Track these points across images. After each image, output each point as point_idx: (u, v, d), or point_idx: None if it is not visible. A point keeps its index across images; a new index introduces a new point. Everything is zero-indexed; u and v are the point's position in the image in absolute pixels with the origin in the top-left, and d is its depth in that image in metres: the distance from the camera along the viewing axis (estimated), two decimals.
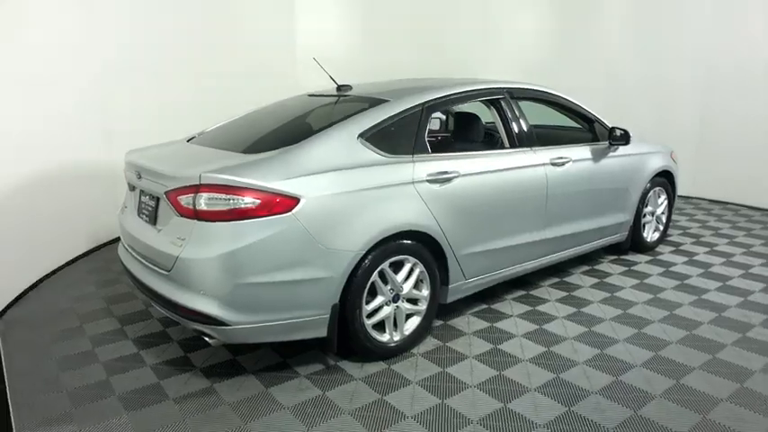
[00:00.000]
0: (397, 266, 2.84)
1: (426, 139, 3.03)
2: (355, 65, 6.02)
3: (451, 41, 7.20)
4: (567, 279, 4.01)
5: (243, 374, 2.73)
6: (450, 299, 3.16)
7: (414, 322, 2.96)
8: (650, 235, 4.63)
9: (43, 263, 4.02)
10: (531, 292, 3.76)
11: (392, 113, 2.92)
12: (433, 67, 6.38)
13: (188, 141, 3.29)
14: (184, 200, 2.43)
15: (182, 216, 2.47)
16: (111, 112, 4.58)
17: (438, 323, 3.30)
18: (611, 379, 2.67)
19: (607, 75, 7.30)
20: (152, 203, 2.76)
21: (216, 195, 2.38)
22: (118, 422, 2.34)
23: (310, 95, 3.59)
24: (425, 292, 2.97)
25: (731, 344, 3.01)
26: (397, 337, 2.89)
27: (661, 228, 4.73)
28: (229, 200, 2.37)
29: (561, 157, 3.62)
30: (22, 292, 3.70)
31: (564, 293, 3.74)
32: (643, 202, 4.41)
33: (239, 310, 2.41)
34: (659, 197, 4.63)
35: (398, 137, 2.92)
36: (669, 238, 5.01)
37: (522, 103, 3.78)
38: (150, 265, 2.68)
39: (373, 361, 2.85)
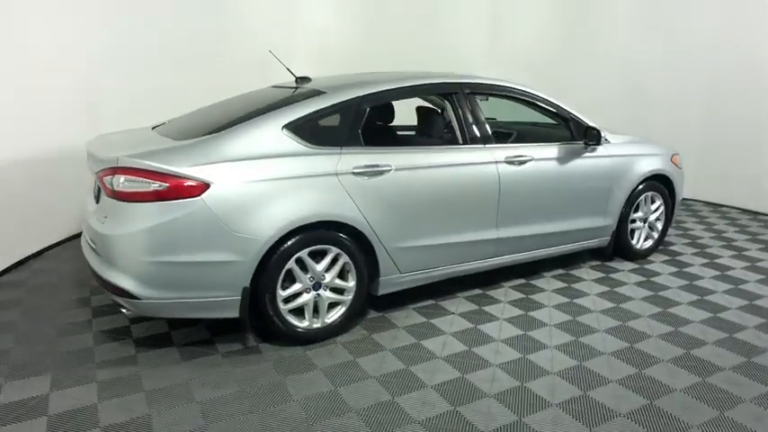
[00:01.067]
0: (319, 255, 2.90)
1: (361, 132, 3.06)
2: (368, 57, 6.12)
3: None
4: (533, 281, 3.89)
5: (168, 347, 2.92)
6: (382, 291, 3.19)
7: (338, 311, 3.02)
8: (641, 242, 4.37)
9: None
10: (486, 292, 3.70)
11: (322, 106, 2.98)
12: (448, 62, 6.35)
13: (153, 129, 3.51)
14: (107, 181, 2.63)
15: (107, 196, 2.68)
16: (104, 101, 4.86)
17: (377, 315, 3.33)
18: (516, 384, 2.61)
19: (621, 75, 6.92)
20: (96, 185, 3.00)
21: (130, 177, 2.56)
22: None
23: (274, 87, 3.71)
24: (351, 282, 3.01)
25: (681, 390, 2.60)
26: (316, 324, 2.96)
27: (655, 235, 4.45)
28: (141, 182, 2.54)
29: (519, 156, 3.52)
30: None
31: (521, 296, 3.64)
32: (631, 206, 4.17)
33: (149, 286, 2.59)
34: (653, 202, 4.35)
35: (327, 129, 2.98)
36: (671, 247, 4.70)
37: (502, 100, 3.74)
38: (90, 242, 2.92)
39: (292, 345, 2.94)
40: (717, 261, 4.38)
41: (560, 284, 3.85)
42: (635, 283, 3.91)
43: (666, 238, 4.99)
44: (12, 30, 3.84)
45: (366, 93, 3.12)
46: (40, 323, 3.17)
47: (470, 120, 3.43)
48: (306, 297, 2.90)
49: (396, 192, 3.06)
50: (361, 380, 2.64)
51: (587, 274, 4.08)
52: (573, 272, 4.10)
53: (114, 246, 2.60)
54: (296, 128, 2.89)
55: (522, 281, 3.89)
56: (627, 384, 2.61)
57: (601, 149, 3.94)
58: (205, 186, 2.58)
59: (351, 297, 3.03)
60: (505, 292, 3.70)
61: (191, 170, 2.58)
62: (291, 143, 2.85)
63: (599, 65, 7.07)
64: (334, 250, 2.92)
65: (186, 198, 2.56)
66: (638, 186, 4.16)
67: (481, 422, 2.32)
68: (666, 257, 4.46)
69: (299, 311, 2.92)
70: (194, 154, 2.65)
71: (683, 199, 5.41)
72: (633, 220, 4.27)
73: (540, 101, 3.81)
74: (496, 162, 3.42)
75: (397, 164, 3.07)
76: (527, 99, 3.77)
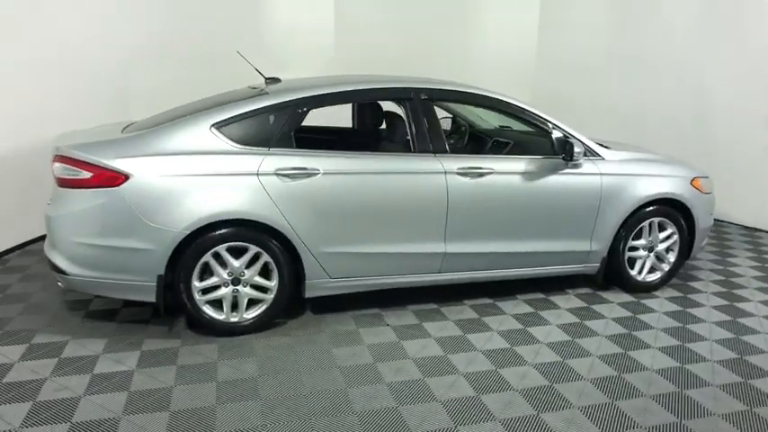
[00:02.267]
0: (241, 252, 2.99)
1: (293, 135, 3.08)
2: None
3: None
4: (499, 302, 3.65)
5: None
6: (309, 294, 3.20)
7: (259, 309, 3.09)
8: (644, 274, 3.88)
9: None
10: (441, 308, 3.54)
11: (254, 107, 3.05)
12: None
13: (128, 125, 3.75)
14: (53, 167, 2.95)
15: (54, 181, 3.00)
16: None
17: (314, 315, 3.35)
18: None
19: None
20: None
21: (66, 166, 2.84)
22: None
23: (249, 87, 3.85)
24: (274, 282, 3.07)
25: None
26: (234, 319, 3.06)
27: (665, 267, 3.92)
28: (73, 170, 2.81)
29: (476, 168, 3.31)
30: None
31: (475, 316, 3.44)
32: (630, 232, 3.72)
33: (76, 264, 2.86)
34: (664, 230, 3.84)
35: (257, 130, 3.04)
36: (692, 282, 4.11)
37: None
38: None
39: (212, 335, 3.06)
40: (738, 305, 3.76)
41: (526, 309, 3.57)
42: (614, 318, 3.50)
43: (699, 269, 4.39)
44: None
45: (301, 96, 3.14)
46: None
47: (421, 127, 3.29)
48: (223, 291, 3.01)
49: (323, 196, 3.05)
50: (252, 383, 2.69)
51: (567, 301, 3.72)
52: (552, 297, 3.77)
53: (51, 226, 2.90)
54: (224, 127, 2.99)
55: (487, 300, 3.67)
56: None
57: (588, 166, 3.57)
58: (124, 178, 2.79)
59: (273, 296, 3.09)
60: (461, 310, 3.51)
61: (113, 162, 2.79)
62: (218, 142, 2.96)
63: (651, 73, 6.33)
64: (254, 248, 2.99)
65: (107, 187, 2.78)
66: (638, 210, 3.70)
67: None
68: (676, 293, 3.91)
69: (218, 304, 3.03)
70: (122, 147, 2.87)
71: (716, 221, 4.64)
72: (633, 248, 3.81)
73: (513, 110, 3.55)
74: (446, 173, 3.25)
75: (326, 168, 3.05)
76: (498, 107, 3.53)
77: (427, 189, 3.23)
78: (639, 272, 3.88)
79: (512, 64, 7.20)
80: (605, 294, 3.85)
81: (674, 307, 3.69)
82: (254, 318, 3.09)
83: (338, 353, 2.94)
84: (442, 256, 3.35)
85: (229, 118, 3.01)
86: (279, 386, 2.61)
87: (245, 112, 3.04)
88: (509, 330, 3.27)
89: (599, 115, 6.66)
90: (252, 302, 3.10)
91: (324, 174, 3.04)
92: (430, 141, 3.29)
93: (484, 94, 3.51)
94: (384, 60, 5.87)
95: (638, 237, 3.79)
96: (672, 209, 3.80)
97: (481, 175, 3.32)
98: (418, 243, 3.29)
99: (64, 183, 2.85)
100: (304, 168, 3.02)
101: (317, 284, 3.19)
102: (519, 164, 3.44)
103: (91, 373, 2.67)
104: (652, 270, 3.92)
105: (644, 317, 3.53)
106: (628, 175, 3.68)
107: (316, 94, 3.18)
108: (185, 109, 3.54)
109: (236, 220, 2.92)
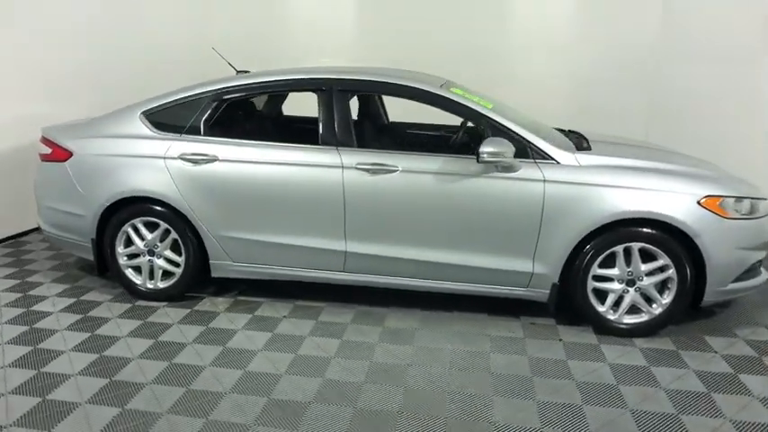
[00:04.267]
0: (158, 227, 3.35)
1: (206, 123, 3.29)
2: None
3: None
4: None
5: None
6: (215, 274, 3.39)
7: (171, 280, 3.41)
8: (620, 313, 3.03)
9: None
10: (374, 309, 3.36)
11: (176, 98, 3.35)
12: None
13: None
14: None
15: None
16: None
17: (222, 296, 3.54)
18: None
19: None
20: None
21: (43, 144, 3.56)
22: None
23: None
24: (181, 257, 3.35)
25: None
26: (149, 286, 3.43)
27: (655, 309, 3.00)
28: (44, 148, 3.52)
29: (378, 164, 3.05)
30: None
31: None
32: (595, 257, 2.96)
33: (46, 223, 3.58)
34: (654, 260, 2.94)
35: (175, 118, 3.33)
36: (707, 334, 3.04)
37: None
38: None
39: (137, 299, 3.48)
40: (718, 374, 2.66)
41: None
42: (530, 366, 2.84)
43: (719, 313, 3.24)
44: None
45: (216, 88, 3.31)
46: None
47: (329, 119, 3.17)
48: (140, 259, 3.41)
49: (220, 182, 3.20)
50: (126, 354, 3.03)
51: (498, 329, 3.15)
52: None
53: (34, 191, 3.67)
54: (150, 115, 3.37)
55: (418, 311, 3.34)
56: None
57: (529, 171, 2.96)
58: (69, 154, 3.38)
59: (181, 270, 3.37)
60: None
61: (65, 142, 3.41)
62: (142, 128, 3.35)
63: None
64: (164, 225, 3.31)
65: (59, 162, 3.41)
66: (607, 230, 2.92)
67: None
68: (668, 347, 2.96)
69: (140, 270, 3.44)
70: (74, 130, 3.48)
71: None
72: (600, 278, 3.02)
73: (436, 100, 3.14)
74: (343, 167, 3.08)
75: (224, 155, 3.19)
76: (418, 97, 3.16)
77: (323, 183, 3.10)
78: (612, 310, 3.05)
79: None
80: (567, 332, 3.13)
81: (633, 362, 2.82)
82: (166, 287, 3.41)
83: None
84: (344, 254, 3.18)
85: (156, 107, 3.38)
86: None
87: (169, 102, 3.37)
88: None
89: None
90: (167, 274, 3.43)
91: (221, 161, 3.19)
92: (335, 134, 3.15)
93: (400, 83, 3.18)
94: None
95: (604, 265, 2.99)
96: (664, 234, 2.89)
97: (384, 172, 3.04)
98: (318, 238, 3.19)
99: (41, 157, 3.57)
100: (204, 154, 3.21)
101: (221, 266, 3.36)
102: (430, 162, 3.04)
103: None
104: (635, 310, 3.04)
105: (581, 374, 2.78)
106: (589, 185, 2.92)
107: (229, 85, 3.33)
108: None
109: (147, 197, 3.28)
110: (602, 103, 5.26)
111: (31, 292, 3.55)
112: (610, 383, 2.62)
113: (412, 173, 3.04)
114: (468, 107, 3.10)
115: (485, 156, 2.86)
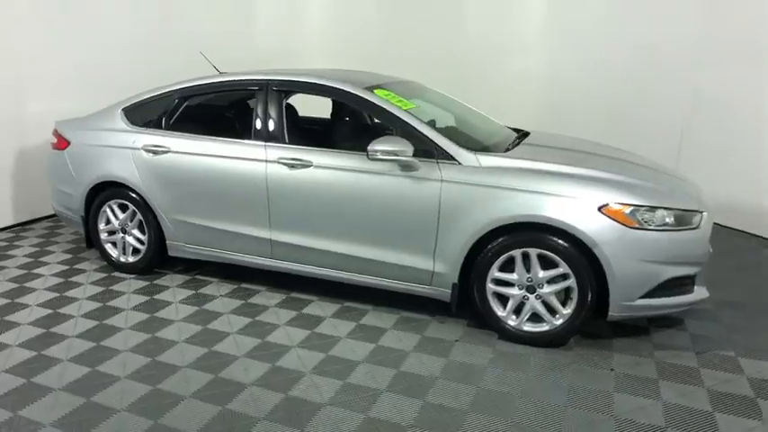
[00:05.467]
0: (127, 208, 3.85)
1: (166, 118, 3.72)
2: None
3: None
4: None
5: None
6: (171, 253, 3.81)
7: (138, 256, 3.90)
8: (521, 320, 2.96)
9: None
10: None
11: (147, 97, 3.82)
12: None
13: None
14: None
15: None
16: None
17: (188, 275, 3.95)
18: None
19: None
20: None
21: (53, 135, 4.22)
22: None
23: None
24: (145, 236, 3.83)
25: None
26: (122, 260, 3.95)
27: (557, 320, 2.89)
28: (54, 138, 4.18)
29: (296, 159, 3.26)
30: None
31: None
32: (493, 259, 2.93)
33: (56, 202, 4.25)
34: (554, 267, 2.83)
35: (144, 114, 3.81)
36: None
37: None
38: None
39: (113, 271, 4.02)
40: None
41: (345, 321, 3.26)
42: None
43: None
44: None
45: (178, 88, 3.74)
46: None
47: (264, 116, 3.44)
48: (117, 236, 3.94)
49: (171, 170, 3.61)
50: (69, 319, 3.56)
51: (385, 320, 3.20)
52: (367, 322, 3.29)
53: (47, 175, 4.35)
54: (128, 111, 3.88)
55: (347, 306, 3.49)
56: None
57: (428, 170, 3.00)
58: (68, 143, 4.00)
59: (145, 248, 3.85)
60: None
61: (66, 133, 4.04)
62: (120, 122, 3.87)
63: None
64: (132, 207, 3.81)
65: (61, 150, 4.05)
66: (503, 233, 2.88)
67: None
68: (546, 358, 2.83)
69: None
70: (76, 123, 4.08)
71: None
72: (499, 281, 2.97)
73: (354, 101, 3.30)
74: (267, 161, 3.33)
75: (174, 147, 3.60)
76: (339, 98, 3.32)
77: (251, 175, 3.38)
78: (512, 315, 2.98)
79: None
80: (473, 338, 3.10)
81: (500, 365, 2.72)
82: (134, 261, 3.90)
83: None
84: (269, 242, 3.44)
85: (134, 104, 3.88)
86: None
87: (142, 100, 3.86)
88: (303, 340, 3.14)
89: None
90: (136, 250, 3.91)
91: (172, 152, 3.60)
92: (265, 130, 3.42)
93: (322, 83, 3.37)
94: None
95: (502, 268, 2.94)
96: (562, 241, 2.78)
97: (301, 167, 3.25)
98: (249, 226, 3.48)
99: (51, 146, 4.23)
100: (160, 146, 3.65)
101: (176, 246, 3.77)
102: (338, 158, 3.19)
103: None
104: (536, 319, 2.95)
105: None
106: (485, 186, 2.90)
107: (186, 86, 3.74)
108: None
109: (118, 182, 3.79)
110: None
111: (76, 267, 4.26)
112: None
113: (323, 168, 3.22)
114: (380, 108, 3.20)
115: (376, 154, 2.95)
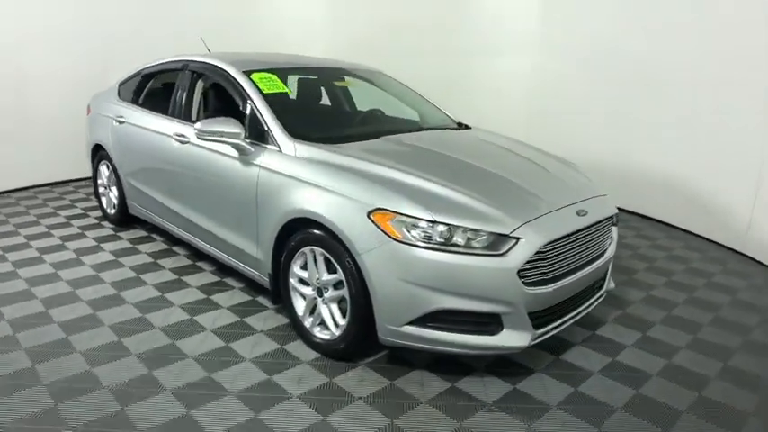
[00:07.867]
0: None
1: (137, 93, 4.27)
2: None
3: None
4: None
5: None
6: (130, 211, 4.39)
7: (114, 210, 4.59)
8: (312, 323, 2.75)
9: None
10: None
11: (131, 74, 4.43)
12: None
13: None
14: None
15: None
16: None
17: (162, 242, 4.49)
18: None
19: None
20: None
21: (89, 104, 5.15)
22: None
23: None
24: (115, 194, 4.51)
25: None
26: (108, 211, 4.69)
27: (336, 332, 2.62)
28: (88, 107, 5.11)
29: (180, 134, 3.51)
30: None
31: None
32: (292, 254, 2.77)
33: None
34: (336, 273, 2.57)
35: (126, 89, 4.44)
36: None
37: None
38: None
39: (103, 220, 4.80)
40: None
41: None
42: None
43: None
44: None
45: (142, 68, 4.27)
46: None
47: (176, 94, 3.74)
48: (102, 189, 4.70)
49: (123, 138, 4.19)
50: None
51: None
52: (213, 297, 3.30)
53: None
54: (121, 86, 4.55)
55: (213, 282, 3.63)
56: None
57: (255, 155, 2.97)
58: (90, 111, 4.88)
59: (116, 202, 4.51)
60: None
61: (91, 102, 4.92)
62: (114, 96, 4.57)
63: None
64: (111, 167, 4.51)
65: (89, 114, 4.95)
66: (297, 226, 2.73)
67: None
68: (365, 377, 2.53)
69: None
70: (99, 95, 4.93)
71: None
72: (301, 279, 2.80)
73: (226, 83, 3.38)
74: (167, 136, 3.64)
75: (129, 120, 4.14)
76: (225, 82, 3.41)
77: (159, 147, 3.73)
78: (308, 318, 2.78)
79: None
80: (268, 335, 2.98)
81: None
82: (113, 213, 4.59)
83: None
84: (179, 217, 3.69)
85: (125, 79, 4.55)
86: None
87: (129, 76, 4.49)
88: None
89: None
90: (114, 206, 4.60)
91: (127, 123, 4.16)
92: (177, 107, 3.72)
93: (214, 64, 3.51)
94: None
95: (300, 264, 2.77)
96: (338, 244, 2.52)
97: (184, 142, 3.48)
98: (165, 197, 3.80)
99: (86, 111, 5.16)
100: (121, 117, 4.23)
101: (133, 206, 4.32)
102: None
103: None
104: (321, 324, 2.72)
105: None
106: (285, 176, 2.77)
107: (145, 67, 4.25)
108: None
109: (101, 145, 4.51)
110: None
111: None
112: None
113: (196, 146, 3.38)
114: (240, 89, 3.23)
115: (203, 134, 3.00)
